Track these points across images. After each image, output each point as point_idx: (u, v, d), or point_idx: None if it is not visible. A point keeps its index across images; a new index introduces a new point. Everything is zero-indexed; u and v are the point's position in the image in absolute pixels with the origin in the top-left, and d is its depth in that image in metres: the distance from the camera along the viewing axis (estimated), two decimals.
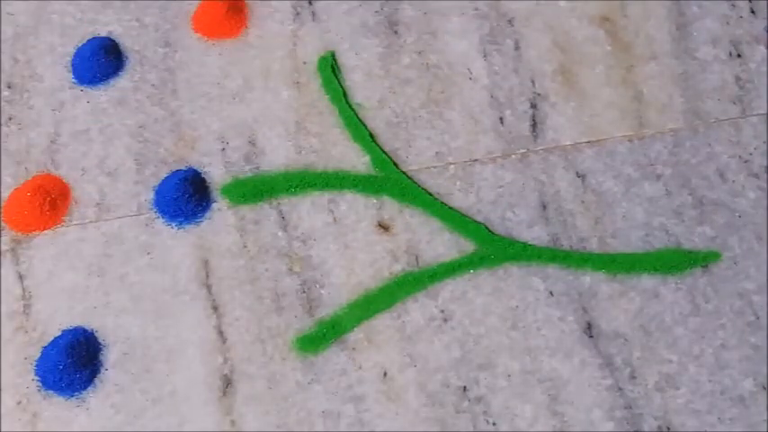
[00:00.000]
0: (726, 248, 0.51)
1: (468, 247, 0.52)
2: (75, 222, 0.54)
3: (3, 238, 0.53)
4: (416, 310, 0.50)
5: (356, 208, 0.53)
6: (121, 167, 0.55)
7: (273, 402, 0.49)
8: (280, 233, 0.53)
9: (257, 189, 0.54)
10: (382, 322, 0.50)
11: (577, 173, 0.53)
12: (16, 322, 0.51)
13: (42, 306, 0.52)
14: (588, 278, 0.50)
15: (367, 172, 0.54)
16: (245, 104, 0.56)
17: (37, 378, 0.49)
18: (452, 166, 0.54)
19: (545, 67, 0.56)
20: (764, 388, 0.48)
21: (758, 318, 0.49)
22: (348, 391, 0.49)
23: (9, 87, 0.57)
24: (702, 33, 0.57)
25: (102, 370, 0.50)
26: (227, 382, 0.49)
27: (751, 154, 0.53)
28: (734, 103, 0.54)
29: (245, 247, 0.52)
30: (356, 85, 0.56)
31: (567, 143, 0.54)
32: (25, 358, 0.50)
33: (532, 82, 0.56)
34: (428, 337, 0.50)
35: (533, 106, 0.55)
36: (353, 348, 0.50)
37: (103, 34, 0.59)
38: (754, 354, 0.48)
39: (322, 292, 0.51)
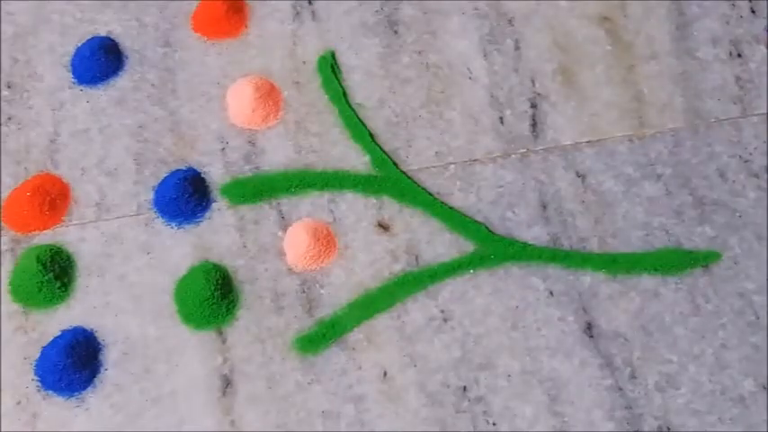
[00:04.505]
0: (726, 248, 0.51)
1: (468, 247, 0.52)
2: (74, 222, 0.53)
3: (2, 238, 0.53)
4: (416, 310, 0.50)
5: (356, 208, 0.53)
6: (121, 167, 0.55)
7: (273, 402, 0.48)
8: (279, 233, 0.53)
9: (257, 189, 0.54)
10: (382, 322, 0.50)
11: (577, 173, 0.53)
12: (16, 322, 0.51)
13: None
14: (588, 278, 0.50)
15: (367, 172, 0.54)
16: None
17: (36, 378, 0.49)
18: (452, 166, 0.54)
19: (545, 66, 0.56)
20: (765, 388, 0.48)
21: (758, 318, 0.49)
22: (348, 391, 0.49)
23: (9, 87, 0.57)
24: (702, 33, 0.57)
25: (102, 370, 0.50)
26: (227, 382, 0.49)
27: (751, 154, 0.53)
28: (734, 103, 0.54)
29: (245, 246, 0.52)
30: (356, 85, 0.56)
31: (567, 143, 0.54)
32: (25, 358, 0.50)
33: (532, 82, 0.56)
34: (428, 337, 0.50)
35: (533, 106, 0.55)
36: (353, 348, 0.50)
37: (103, 34, 0.59)
38: (755, 354, 0.48)
39: (322, 291, 0.51)
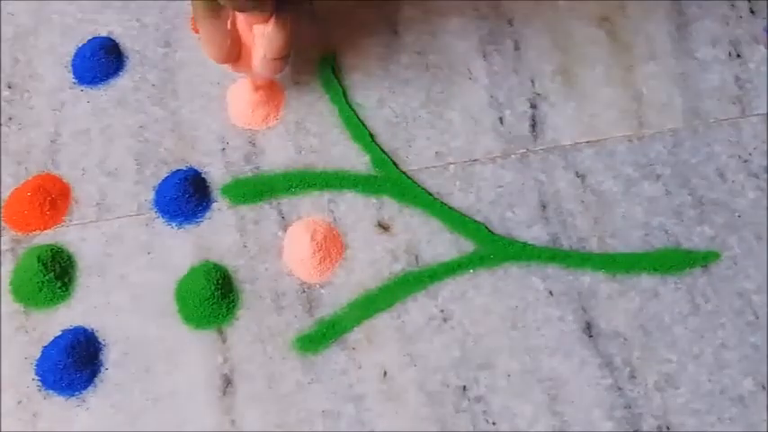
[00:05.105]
0: (725, 248, 0.51)
1: (468, 246, 0.52)
2: (75, 222, 0.54)
3: (3, 238, 0.53)
4: (416, 309, 0.50)
5: (356, 208, 0.53)
6: (122, 167, 0.55)
7: (274, 402, 0.49)
8: (280, 233, 0.53)
9: (257, 189, 0.54)
10: (382, 322, 0.50)
11: (577, 173, 0.53)
12: (17, 322, 0.51)
13: None
14: (588, 278, 0.51)
15: (367, 172, 0.54)
16: None
17: (37, 378, 0.50)
18: (452, 166, 0.54)
19: (545, 67, 0.57)
20: (764, 387, 0.48)
21: (757, 317, 0.49)
22: (348, 390, 0.49)
23: (9, 87, 0.57)
24: (702, 33, 0.57)
25: (103, 369, 0.50)
26: (228, 382, 0.49)
27: (750, 154, 0.53)
28: (733, 103, 0.55)
29: (245, 246, 0.52)
30: (356, 85, 0.56)
31: (567, 143, 0.54)
32: (25, 358, 0.50)
33: (532, 82, 0.56)
34: (428, 336, 0.50)
35: (533, 106, 0.55)
36: (353, 348, 0.50)
37: (104, 34, 0.59)
38: (754, 353, 0.48)
39: (322, 291, 0.51)
